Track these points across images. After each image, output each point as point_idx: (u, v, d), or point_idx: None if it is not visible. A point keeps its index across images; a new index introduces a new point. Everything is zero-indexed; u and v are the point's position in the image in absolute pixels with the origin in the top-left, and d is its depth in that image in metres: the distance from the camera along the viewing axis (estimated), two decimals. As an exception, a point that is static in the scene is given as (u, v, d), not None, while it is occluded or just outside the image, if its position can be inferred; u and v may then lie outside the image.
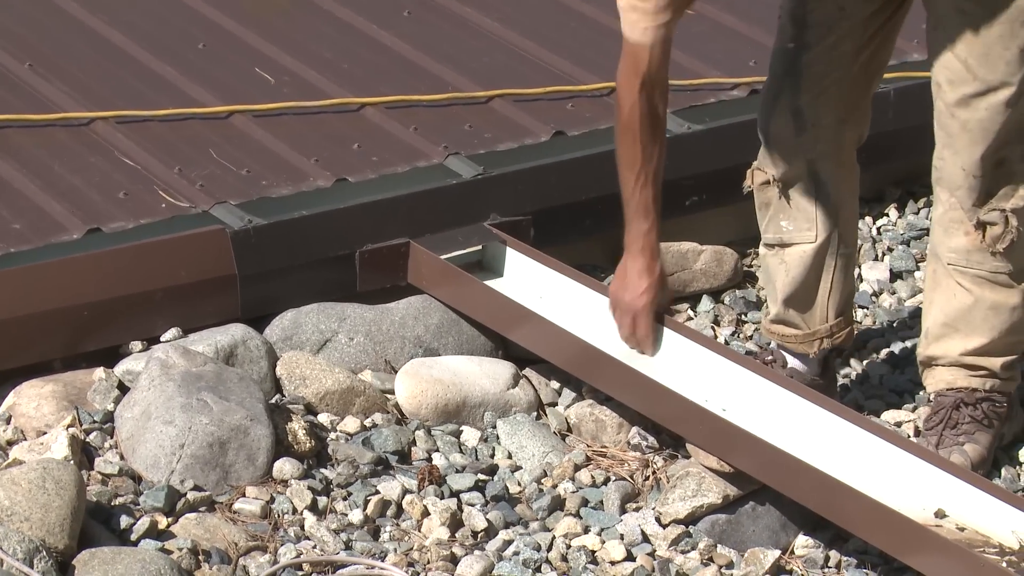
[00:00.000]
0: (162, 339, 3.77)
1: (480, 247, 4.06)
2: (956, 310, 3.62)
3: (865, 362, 4.14)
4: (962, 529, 3.27)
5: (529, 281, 4.01)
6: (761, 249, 3.94)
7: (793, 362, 3.87)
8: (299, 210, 3.98)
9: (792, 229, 3.82)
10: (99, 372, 3.70)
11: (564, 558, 3.37)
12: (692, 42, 4.56)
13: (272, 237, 3.92)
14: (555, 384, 3.89)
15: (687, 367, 3.73)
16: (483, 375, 3.85)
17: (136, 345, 3.77)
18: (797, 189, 3.79)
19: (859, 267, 4.47)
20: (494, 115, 4.44)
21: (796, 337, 3.89)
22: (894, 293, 4.45)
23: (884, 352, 4.18)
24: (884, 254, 4.59)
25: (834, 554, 3.44)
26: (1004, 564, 3.12)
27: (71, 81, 4.43)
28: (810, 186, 3.78)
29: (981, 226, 3.53)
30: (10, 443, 3.51)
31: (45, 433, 3.49)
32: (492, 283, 3.99)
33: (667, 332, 3.79)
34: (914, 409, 3.88)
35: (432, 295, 4.00)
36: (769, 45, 3.83)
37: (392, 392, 3.80)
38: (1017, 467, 3.71)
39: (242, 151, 4.21)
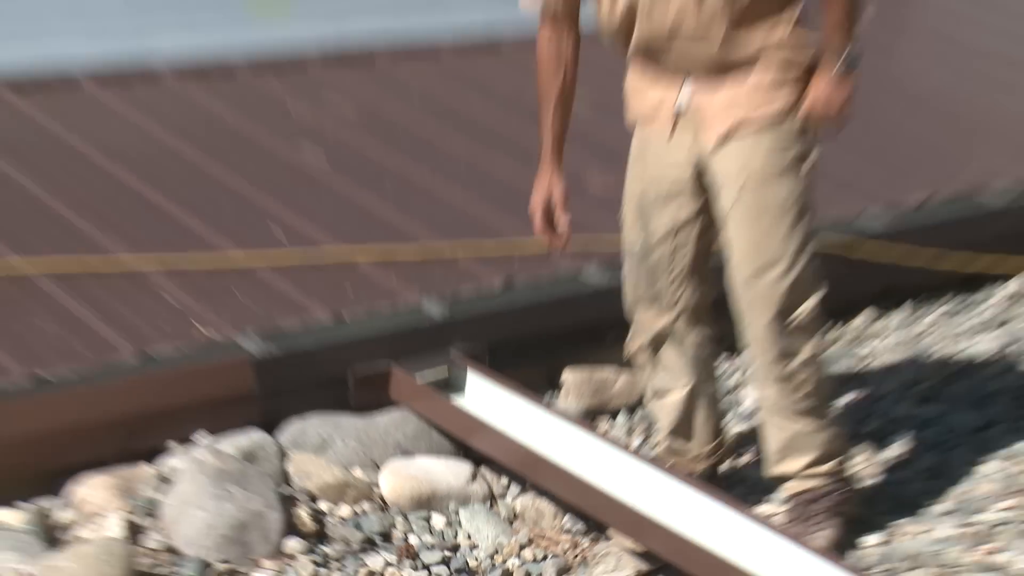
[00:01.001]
0: (195, 443, 3.69)
1: (447, 372, 4.04)
2: (782, 441, 3.63)
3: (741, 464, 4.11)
4: None
5: (485, 398, 3.99)
6: (645, 398, 3.96)
7: None
8: (304, 341, 3.97)
9: (664, 381, 3.82)
10: (146, 467, 3.64)
11: None
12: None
13: (283, 362, 3.90)
14: (504, 480, 3.88)
15: (608, 468, 3.68)
16: (448, 472, 3.83)
17: (175, 445, 3.69)
18: (665, 351, 3.78)
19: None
20: (458, 268, 4.43)
21: (683, 462, 3.89)
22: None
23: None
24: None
25: None
26: None
27: (129, 236, 4.37)
28: (674, 347, 3.77)
29: (785, 378, 3.57)
30: (72, 524, 3.43)
31: (102, 517, 3.42)
32: (456, 399, 3.99)
33: (592, 439, 3.79)
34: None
35: (409, 408, 3.98)
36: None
37: (377, 485, 3.76)
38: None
39: (260, 292, 4.19)
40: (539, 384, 4.18)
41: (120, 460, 3.66)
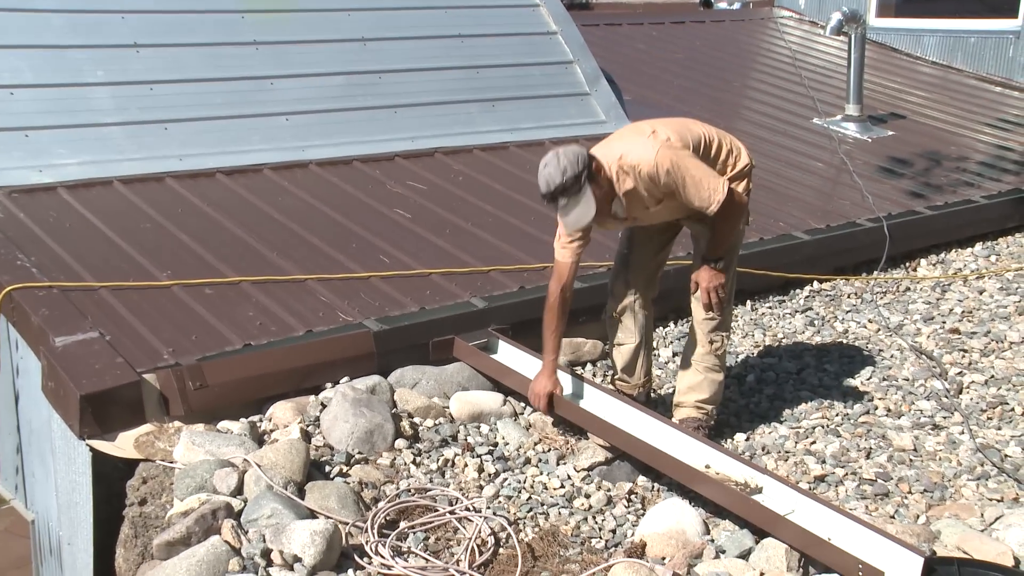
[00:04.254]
0: (340, 382, 3.71)
1: (486, 340, 4.03)
2: (694, 382, 3.66)
3: (662, 391, 4.10)
4: (718, 473, 3.24)
5: (510, 355, 3.99)
6: (610, 346, 3.94)
7: None
8: (403, 321, 3.97)
9: (623, 336, 3.83)
10: (312, 398, 3.66)
11: (531, 486, 3.35)
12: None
13: (391, 334, 3.89)
14: (522, 404, 3.84)
15: (584, 395, 3.71)
16: (489, 399, 3.82)
17: (328, 385, 3.71)
18: (626, 318, 3.80)
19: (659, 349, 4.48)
20: (491, 279, 4.42)
21: (627, 387, 3.89)
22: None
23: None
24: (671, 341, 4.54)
25: (655, 484, 3.39)
26: (738, 489, 3.11)
27: (298, 260, 4.36)
28: (631, 316, 3.79)
29: (710, 343, 3.62)
30: (271, 431, 3.46)
31: (287, 426, 3.47)
32: (494, 356, 3.98)
33: (572, 378, 3.75)
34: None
35: (465, 363, 3.97)
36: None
37: (448, 407, 3.76)
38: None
39: (373, 294, 4.18)
40: (539, 346, 4.00)
41: (297, 393, 3.68)
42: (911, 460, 3.57)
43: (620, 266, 3.81)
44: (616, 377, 3.94)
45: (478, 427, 3.68)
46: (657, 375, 4.24)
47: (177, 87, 5.39)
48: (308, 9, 6.08)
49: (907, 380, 4.21)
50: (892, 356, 4.44)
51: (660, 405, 3.95)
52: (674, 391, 3.80)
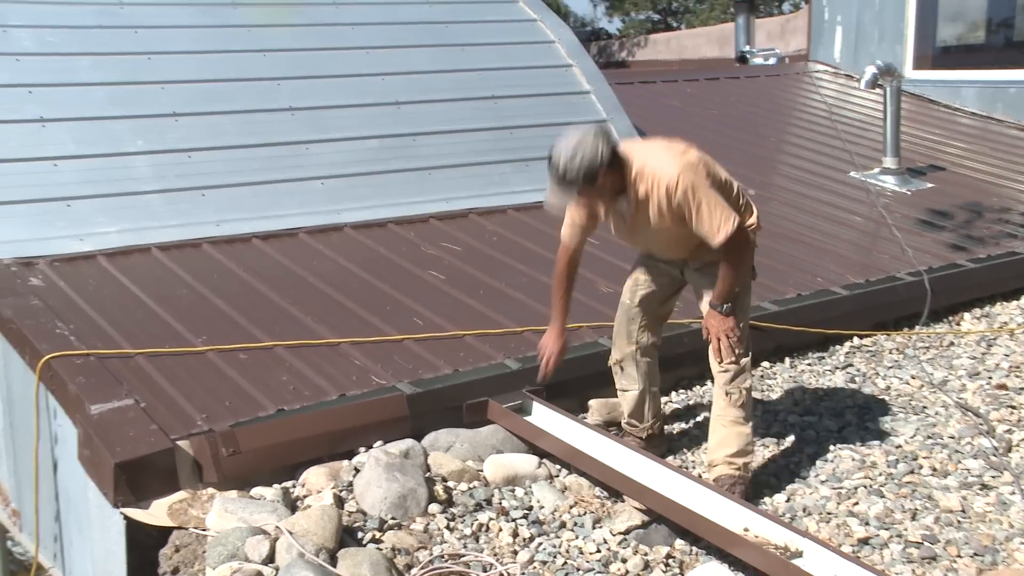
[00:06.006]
0: (373, 446, 3.67)
1: (521, 402, 3.99)
2: (721, 438, 3.62)
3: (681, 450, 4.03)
4: (757, 536, 3.17)
5: (544, 417, 3.95)
6: (618, 393, 3.94)
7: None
8: (437, 384, 3.94)
9: (627, 383, 3.86)
10: (345, 462, 3.63)
11: (567, 551, 3.28)
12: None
13: (424, 397, 3.85)
14: (558, 466, 3.79)
15: (620, 457, 3.62)
16: (524, 462, 3.76)
17: (362, 449, 3.68)
18: (627, 366, 3.83)
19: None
20: (525, 340, 4.38)
21: (637, 430, 3.91)
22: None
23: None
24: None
25: (693, 548, 3.33)
26: (778, 553, 3.05)
27: (332, 323, 4.35)
28: (633, 364, 3.81)
29: (727, 395, 3.59)
30: (304, 497, 3.43)
31: (320, 492, 3.44)
32: (527, 418, 3.93)
33: (608, 441, 3.69)
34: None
35: (500, 425, 3.92)
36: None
37: (482, 471, 3.71)
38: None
39: (407, 357, 4.16)
40: (574, 408, 4.11)
41: (331, 458, 3.66)
42: (959, 522, 3.47)
43: (622, 316, 3.83)
44: (625, 423, 3.93)
45: (513, 490, 3.63)
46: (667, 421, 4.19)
47: (214, 154, 5.49)
48: (342, 75, 6.18)
49: (953, 438, 4.11)
50: (937, 413, 4.35)
51: (680, 442, 3.91)
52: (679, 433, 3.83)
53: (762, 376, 4.77)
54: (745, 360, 3.61)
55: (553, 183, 3.28)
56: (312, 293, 4.68)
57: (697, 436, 4.12)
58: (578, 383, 4.17)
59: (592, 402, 4.22)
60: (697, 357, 4.00)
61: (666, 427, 4.13)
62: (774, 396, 4.55)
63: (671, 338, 4.22)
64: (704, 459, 3.76)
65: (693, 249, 3.55)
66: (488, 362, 4.16)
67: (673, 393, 4.51)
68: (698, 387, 4.60)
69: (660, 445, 3.96)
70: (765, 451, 4.01)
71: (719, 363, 3.59)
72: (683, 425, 4.22)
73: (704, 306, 3.60)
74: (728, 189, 3.53)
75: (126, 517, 3.24)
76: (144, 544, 3.25)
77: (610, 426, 4.10)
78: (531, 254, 5.32)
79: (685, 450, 4.04)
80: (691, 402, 4.44)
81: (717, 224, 3.34)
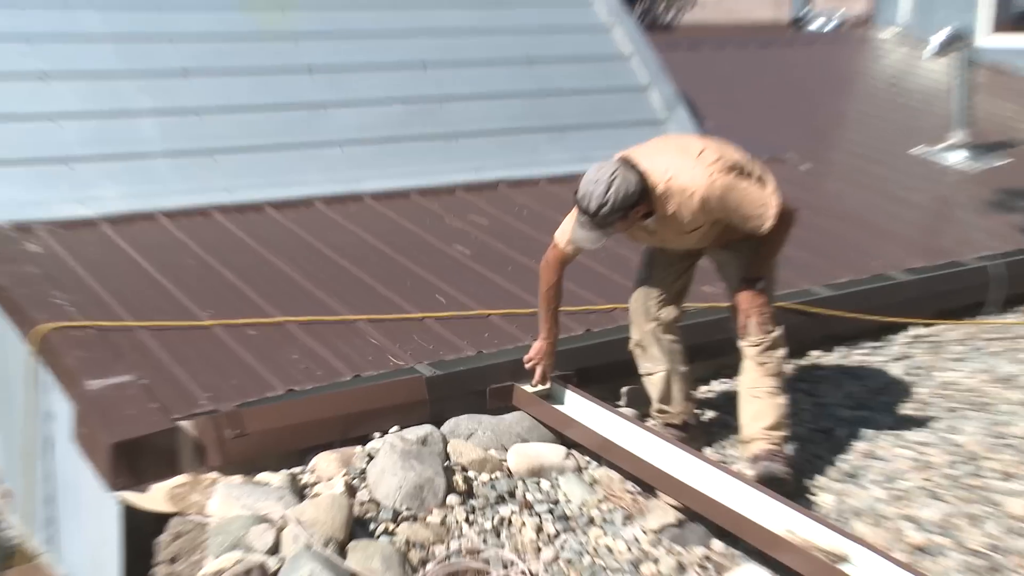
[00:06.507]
0: (389, 432, 3.65)
1: (549, 386, 3.93)
2: (756, 410, 3.64)
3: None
4: (803, 540, 3.10)
5: (575, 404, 3.90)
6: (642, 378, 3.91)
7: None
8: (459, 367, 3.90)
9: (650, 365, 3.85)
10: (358, 448, 3.60)
11: (594, 549, 3.26)
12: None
13: (444, 380, 3.82)
14: (587, 458, 3.77)
15: (653, 449, 3.59)
16: (551, 453, 3.72)
17: (376, 435, 3.65)
18: (650, 345, 3.81)
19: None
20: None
21: (670, 417, 3.89)
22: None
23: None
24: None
25: (731, 550, 3.29)
26: (824, 557, 2.99)
27: (347, 299, 4.31)
28: (655, 342, 3.80)
29: (761, 365, 3.62)
30: (313, 484, 3.41)
31: (331, 479, 3.42)
32: (557, 407, 3.87)
33: (642, 431, 3.67)
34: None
35: (526, 412, 3.88)
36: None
37: (506, 461, 3.67)
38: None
39: (427, 337, 4.12)
40: (607, 395, 4.05)
41: (343, 443, 3.63)
42: (1026, 529, 3.46)
43: (638, 293, 3.83)
44: (656, 410, 3.91)
45: (538, 483, 3.59)
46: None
47: (226, 115, 5.48)
48: (365, 34, 6.15)
49: (1020, 438, 4.04)
50: (1003, 411, 4.28)
51: (721, 434, 3.87)
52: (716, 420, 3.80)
53: (812, 366, 4.70)
54: (777, 331, 3.63)
55: (585, 224, 3.41)
56: (327, 266, 4.63)
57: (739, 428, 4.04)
58: (611, 369, 4.10)
59: (625, 388, 4.15)
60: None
61: (705, 418, 4.12)
62: (823, 388, 4.48)
63: (711, 323, 4.18)
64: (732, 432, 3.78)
65: (719, 235, 3.60)
66: (515, 344, 4.09)
67: (714, 382, 4.46)
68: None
69: (698, 438, 3.93)
70: (813, 447, 3.94)
71: (750, 337, 3.60)
72: (724, 416, 4.16)
73: (727, 278, 3.66)
74: (749, 171, 3.53)
75: (123, 501, 3.23)
76: (142, 530, 3.23)
77: (643, 415, 4.01)
78: (562, 217, 5.20)
79: (724, 443, 3.99)
80: (733, 391, 4.28)
81: (761, 210, 3.46)
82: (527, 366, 3.85)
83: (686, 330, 3.89)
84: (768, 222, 3.46)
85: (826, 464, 3.85)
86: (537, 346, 3.85)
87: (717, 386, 4.43)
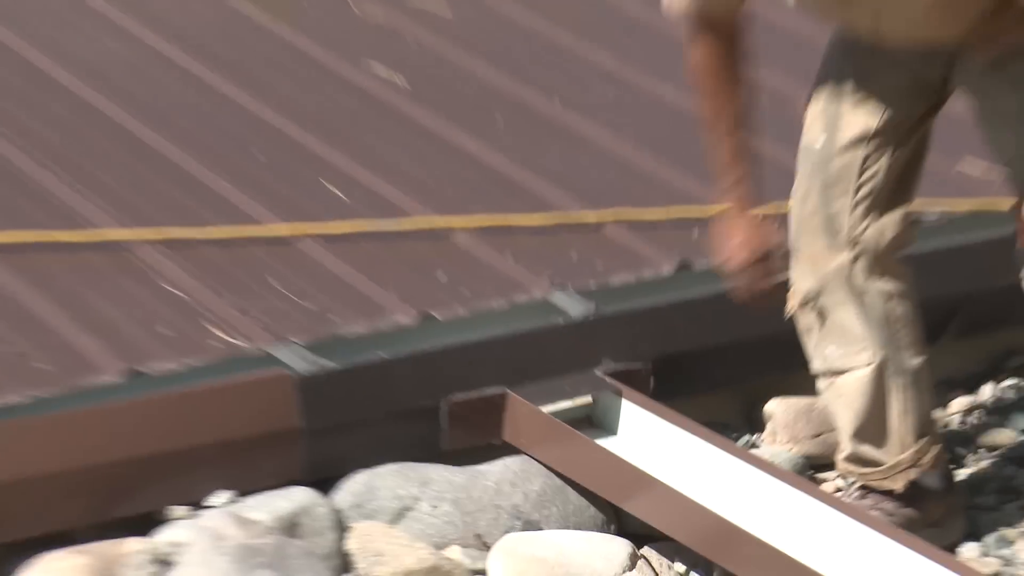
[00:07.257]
0: (211, 504, 2.99)
1: (590, 399, 3.21)
2: None
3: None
4: None
5: (649, 441, 3.20)
6: (817, 382, 3.25)
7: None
8: (376, 352, 3.12)
9: (841, 354, 3.20)
10: (133, 543, 2.89)
11: None
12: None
13: (344, 384, 3.11)
14: (680, 567, 3.04)
15: (840, 545, 3.03)
16: (594, 554, 3.01)
17: (178, 511, 2.97)
18: (839, 307, 3.18)
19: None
20: (606, 242, 3.50)
21: (877, 474, 3.24)
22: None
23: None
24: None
25: None
26: None
27: (108, 196, 3.67)
28: (853, 301, 3.18)
29: None
30: None
31: None
32: (604, 442, 3.16)
33: (816, 505, 3.16)
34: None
35: (533, 456, 3.16)
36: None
37: (484, 573, 2.99)
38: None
39: (309, 280, 3.38)
40: (730, 419, 3.44)
41: (96, 532, 3.04)
42: None
43: (812, 184, 3.21)
44: (848, 456, 3.28)
45: (564, 632, 2.75)
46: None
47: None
48: None
49: None
50: None
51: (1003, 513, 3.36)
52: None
53: None
54: None
55: None
56: (81, 121, 4.06)
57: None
58: (737, 356, 3.48)
59: (774, 406, 3.46)
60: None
61: (964, 472, 3.48)
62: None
63: (964, 254, 3.62)
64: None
65: (994, 21, 3.00)
66: (507, 296, 3.33)
67: (986, 386, 3.75)
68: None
69: (949, 520, 3.25)
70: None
71: None
72: (1010, 465, 3.55)
73: (1005, 145, 3.11)
74: None
75: None
76: None
77: (818, 468, 3.41)
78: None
79: (1008, 528, 3.32)
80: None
81: None
82: (730, 270, 3.15)
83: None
84: None
85: None
86: (728, 230, 3.14)
87: (994, 391, 3.76)
